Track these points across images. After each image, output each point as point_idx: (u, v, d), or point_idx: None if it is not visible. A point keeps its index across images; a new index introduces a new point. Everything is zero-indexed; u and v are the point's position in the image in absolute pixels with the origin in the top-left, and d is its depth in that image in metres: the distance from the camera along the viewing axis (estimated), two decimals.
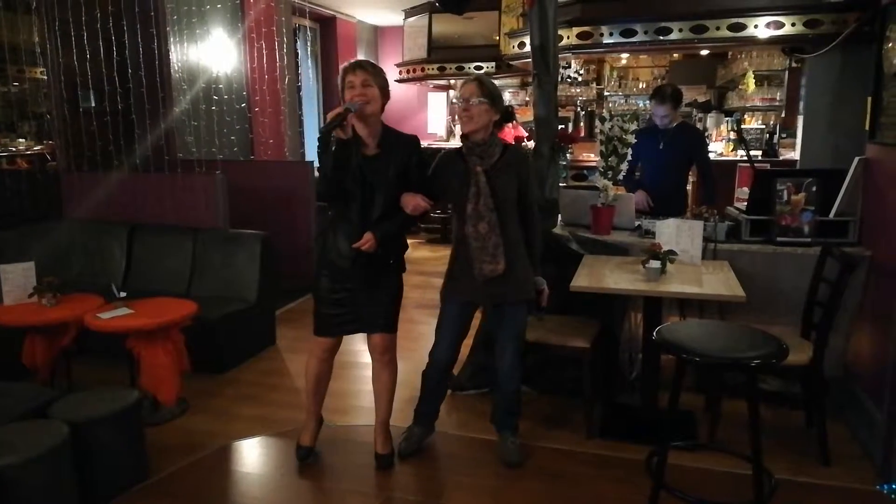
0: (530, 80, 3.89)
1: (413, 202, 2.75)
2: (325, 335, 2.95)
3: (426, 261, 7.14)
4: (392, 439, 3.10)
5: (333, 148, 2.64)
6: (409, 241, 3.04)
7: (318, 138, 2.68)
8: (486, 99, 2.79)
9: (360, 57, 9.55)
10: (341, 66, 2.84)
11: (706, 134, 7.65)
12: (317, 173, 2.84)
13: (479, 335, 3.75)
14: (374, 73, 2.75)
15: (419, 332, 4.51)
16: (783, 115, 6.51)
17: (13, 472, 2.38)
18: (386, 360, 3.00)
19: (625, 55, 7.93)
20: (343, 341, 3.02)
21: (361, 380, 3.97)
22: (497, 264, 2.81)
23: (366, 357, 3.14)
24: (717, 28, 4.16)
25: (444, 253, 7.37)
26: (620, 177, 3.73)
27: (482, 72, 7.38)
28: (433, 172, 2.94)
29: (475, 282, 2.87)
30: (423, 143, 3.13)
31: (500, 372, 3.05)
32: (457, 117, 2.82)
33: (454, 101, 2.79)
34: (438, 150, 3.11)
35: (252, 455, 3.27)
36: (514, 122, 3.10)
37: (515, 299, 2.94)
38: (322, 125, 2.66)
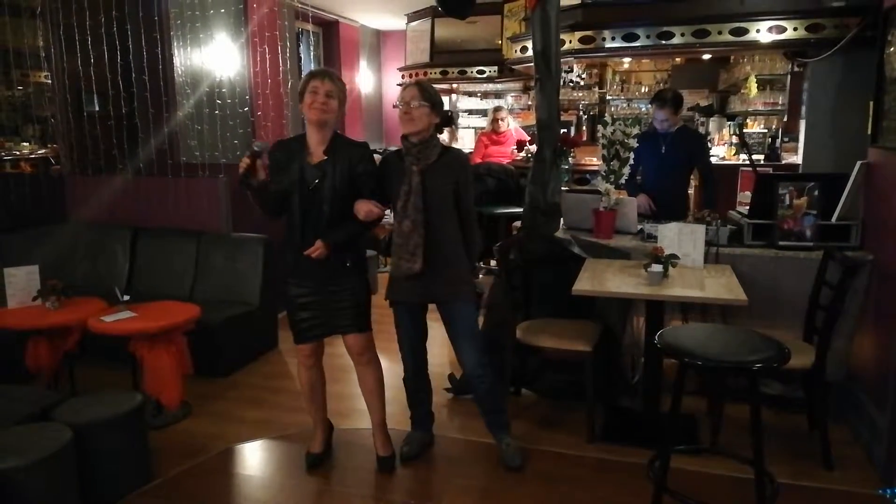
0: (532, 84, 3.90)
1: (365, 208, 2.74)
2: (302, 342, 2.97)
3: None
4: (392, 441, 3.10)
5: (251, 190, 2.74)
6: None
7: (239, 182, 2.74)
8: (427, 103, 2.83)
9: (363, 62, 9.61)
10: (308, 71, 2.89)
11: (708, 138, 7.66)
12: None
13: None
14: (339, 86, 2.81)
15: None
16: (785, 119, 6.49)
17: (16, 476, 2.39)
18: (365, 361, 3.00)
19: (627, 59, 7.92)
20: (341, 344, 3.01)
21: None
22: (413, 263, 2.82)
23: None
24: (720, 32, 4.17)
25: None
26: (623, 181, 3.73)
27: (484, 76, 7.40)
28: (379, 174, 2.95)
29: (406, 282, 2.89)
30: None
31: (467, 373, 3.06)
32: (398, 119, 2.86)
33: (395, 104, 2.84)
34: (385, 150, 3.15)
35: (255, 458, 3.28)
36: (453, 127, 3.16)
37: (444, 298, 2.95)
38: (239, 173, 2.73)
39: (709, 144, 4.77)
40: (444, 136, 9.43)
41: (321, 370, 3.07)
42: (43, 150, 5.29)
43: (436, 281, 2.88)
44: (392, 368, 3.28)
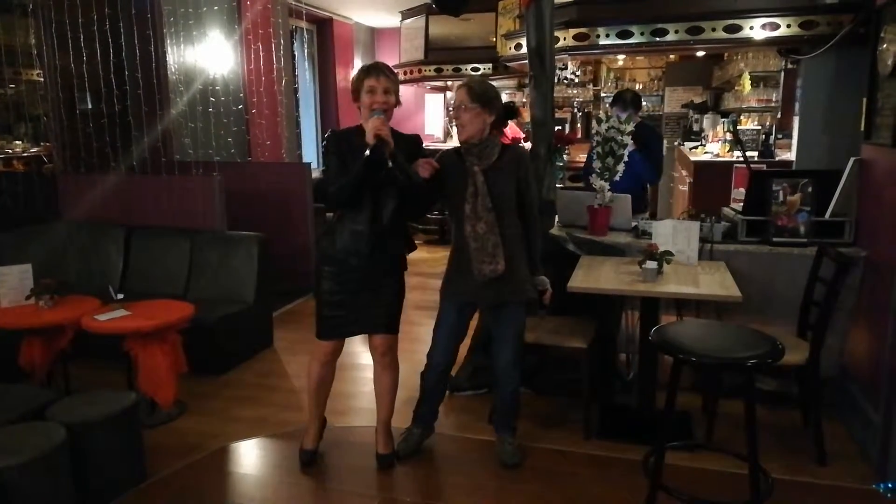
0: (527, 81, 3.90)
1: (420, 161, 2.77)
2: (328, 338, 2.94)
3: (424, 262, 7.14)
4: (393, 439, 3.10)
5: (386, 157, 2.64)
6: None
7: (372, 151, 2.61)
8: (476, 104, 2.79)
9: (357, 59, 9.59)
10: (360, 67, 2.84)
11: (703, 135, 7.67)
12: (316, 176, 2.83)
13: (477, 336, 3.76)
14: (394, 79, 2.80)
15: (417, 334, 4.51)
16: (779, 116, 6.51)
17: (10, 475, 2.38)
18: (387, 362, 2.99)
19: (621, 56, 7.95)
20: (349, 342, 3.01)
21: (360, 381, 3.97)
22: (497, 264, 2.81)
23: (365, 358, 3.14)
24: (713, 29, 4.17)
25: (443, 254, 7.39)
26: (617, 177, 3.73)
27: (479, 73, 7.39)
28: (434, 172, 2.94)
29: (474, 282, 2.87)
30: None
31: (497, 372, 3.05)
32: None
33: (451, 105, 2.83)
34: (436, 151, 3.11)
35: (250, 456, 3.27)
36: (518, 118, 3.10)
37: (514, 299, 2.94)
38: (370, 142, 2.62)
39: (663, 139, 4.96)
40: (438, 134, 9.43)
41: (334, 368, 3.05)
42: (35, 149, 5.27)
43: (505, 281, 2.86)
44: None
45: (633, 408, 3.48)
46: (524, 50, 4.11)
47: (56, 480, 2.54)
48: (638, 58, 8.56)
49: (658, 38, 4.26)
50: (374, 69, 2.79)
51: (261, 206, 5.48)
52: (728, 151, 6.63)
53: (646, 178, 4.59)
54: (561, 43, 4.40)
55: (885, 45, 3.09)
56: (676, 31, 4.22)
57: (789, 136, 5.73)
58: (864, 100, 3.31)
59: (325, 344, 2.95)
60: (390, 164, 2.66)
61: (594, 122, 3.78)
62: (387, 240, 2.80)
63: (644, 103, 8.64)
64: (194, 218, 4.77)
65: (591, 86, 8.78)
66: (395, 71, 8.88)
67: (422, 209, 3.07)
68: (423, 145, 2.99)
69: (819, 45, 3.97)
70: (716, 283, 3.04)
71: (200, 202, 4.77)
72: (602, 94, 8.83)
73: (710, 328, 2.71)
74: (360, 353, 4.20)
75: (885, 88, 3.07)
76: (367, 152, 2.61)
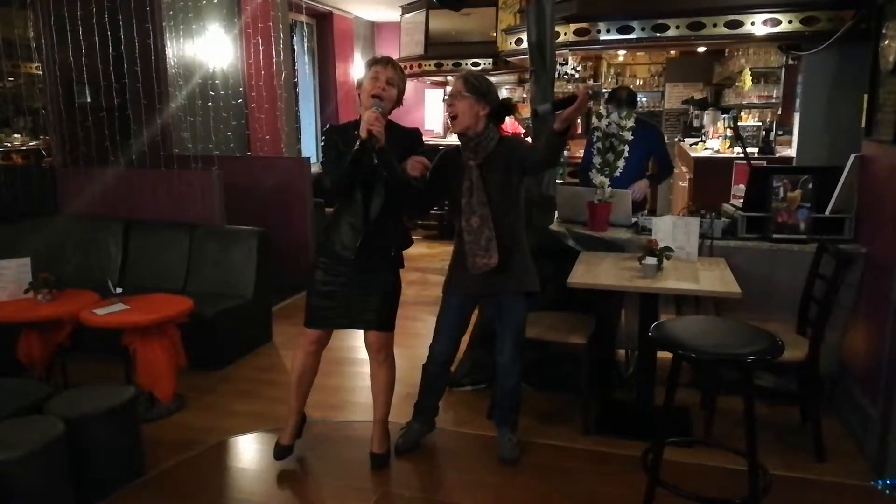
0: (527, 76, 3.89)
1: (412, 160, 2.73)
2: (314, 327, 2.94)
3: (423, 257, 7.14)
4: (389, 438, 3.09)
5: (357, 149, 2.63)
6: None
7: (361, 143, 2.61)
8: (470, 94, 2.78)
9: (357, 54, 9.57)
10: (374, 56, 2.84)
11: (703, 131, 7.66)
12: (320, 168, 2.82)
13: (476, 331, 3.76)
14: (400, 76, 2.79)
15: (416, 329, 4.51)
16: (780, 112, 6.51)
17: (8, 469, 2.38)
18: (381, 359, 2.98)
19: (622, 52, 7.93)
20: (339, 337, 3.01)
21: (357, 376, 3.97)
22: (489, 258, 2.81)
23: (362, 353, 3.14)
24: (714, 25, 4.16)
25: (441, 249, 7.41)
26: (617, 173, 3.72)
27: (479, 68, 7.37)
28: (433, 169, 2.93)
29: (472, 274, 2.88)
30: None
31: (499, 366, 3.05)
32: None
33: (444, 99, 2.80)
34: (436, 147, 3.11)
35: (248, 451, 3.27)
36: (515, 115, 3.05)
37: (513, 290, 2.94)
38: (360, 130, 2.61)
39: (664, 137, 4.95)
40: (438, 129, 9.41)
41: (318, 361, 3.04)
42: (34, 142, 5.25)
43: (505, 272, 2.87)
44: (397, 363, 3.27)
45: (632, 404, 3.47)
46: (524, 45, 4.11)
47: (54, 474, 2.54)
48: (638, 53, 8.55)
49: (659, 34, 4.25)
50: (384, 59, 2.80)
51: (260, 201, 5.47)
52: (728, 147, 6.62)
53: (659, 180, 4.67)
54: (561, 38, 4.39)
55: (886, 41, 3.08)
56: (677, 27, 4.21)
57: (790, 133, 5.73)
58: (865, 96, 3.30)
59: (310, 333, 2.95)
60: (375, 160, 2.64)
61: (594, 118, 3.77)
62: (376, 236, 2.79)
63: (644, 99, 8.66)
64: (193, 212, 4.76)
65: (591, 81, 8.75)
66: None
67: (417, 207, 3.05)
68: (423, 139, 2.97)
69: (820, 42, 3.96)
70: (715, 279, 3.04)
71: (199, 196, 4.76)
72: (602, 90, 8.81)
73: (709, 324, 2.71)
74: (355, 347, 4.20)
75: (887, 85, 3.06)
76: (357, 145, 2.61)
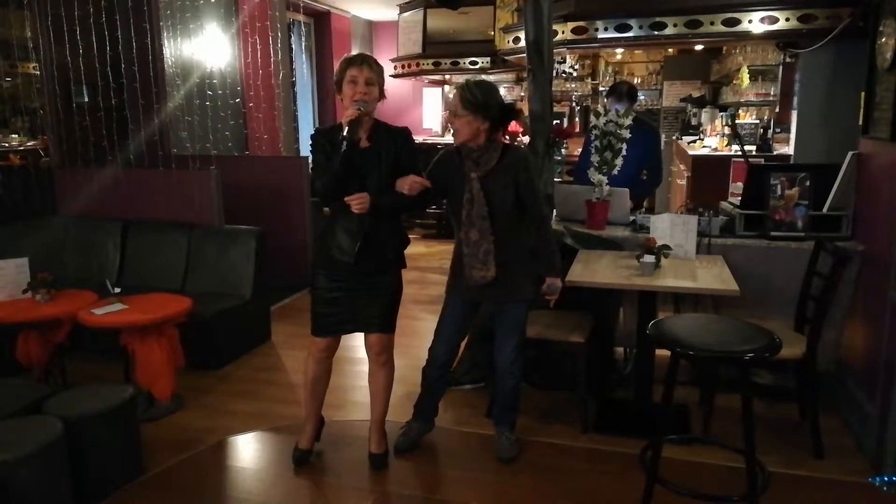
0: (525, 75, 3.89)
1: (408, 181, 2.71)
2: (322, 335, 2.92)
3: (422, 256, 7.14)
4: (387, 439, 3.09)
5: (344, 149, 2.62)
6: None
7: (342, 140, 2.62)
8: (468, 111, 2.73)
9: (354, 53, 9.55)
10: (344, 57, 2.79)
11: (701, 129, 7.67)
12: (311, 172, 2.81)
13: (475, 331, 3.76)
14: (378, 72, 2.74)
15: (416, 329, 4.52)
16: (777, 110, 6.50)
17: (7, 469, 2.37)
18: (382, 361, 2.97)
19: (620, 50, 7.92)
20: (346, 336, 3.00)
21: (357, 375, 3.97)
22: (487, 271, 2.81)
23: (361, 353, 3.14)
24: (712, 23, 4.16)
25: (440, 248, 7.41)
26: (616, 171, 3.72)
27: (477, 66, 7.37)
28: (431, 170, 2.93)
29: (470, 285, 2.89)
30: (419, 139, 3.13)
31: (498, 366, 3.05)
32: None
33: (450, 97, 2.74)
34: (434, 146, 3.10)
35: (247, 450, 3.27)
36: (518, 119, 2.98)
37: (510, 301, 2.94)
38: (341, 127, 2.62)
39: (661, 137, 4.85)
40: (436, 128, 9.41)
41: (329, 366, 3.03)
42: (32, 142, 5.25)
43: (502, 285, 2.86)
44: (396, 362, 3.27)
45: (630, 402, 3.48)
46: (522, 44, 4.10)
47: (53, 474, 2.53)
48: (636, 52, 8.55)
49: (656, 32, 4.25)
50: (357, 59, 2.73)
51: (258, 200, 5.47)
52: (726, 145, 6.63)
53: (651, 187, 4.54)
54: (559, 36, 4.39)
55: (883, 39, 3.08)
56: (675, 25, 4.21)
57: (787, 131, 5.73)
58: (863, 94, 3.31)
59: (319, 341, 2.94)
60: (343, 146, 2.61)
61: (592, 116, 3.77)
62: (374, 239, 2.78)
63: (641, 97, 8.66)
64: (191, 212, 4.75)
65: (589, 80, 8.76)
66: (393, 65, 8.86)
67: (415, 209, 3.02)
68: (420, 140, 2.96)
69: (818, 39, 3.97)
70: (713, 277, 3.05)
71: (198, 196, 4.76)
72: (600, 88, 8.81)
73: (707, 322, 2.71)
74: (356, 346, 4.19)
75: (884, 82, 3.06)
76: (343, 146, 2.61)
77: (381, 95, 2.77)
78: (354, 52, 9.59)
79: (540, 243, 2.91)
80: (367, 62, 2.71)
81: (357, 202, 2.67)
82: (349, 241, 2.77)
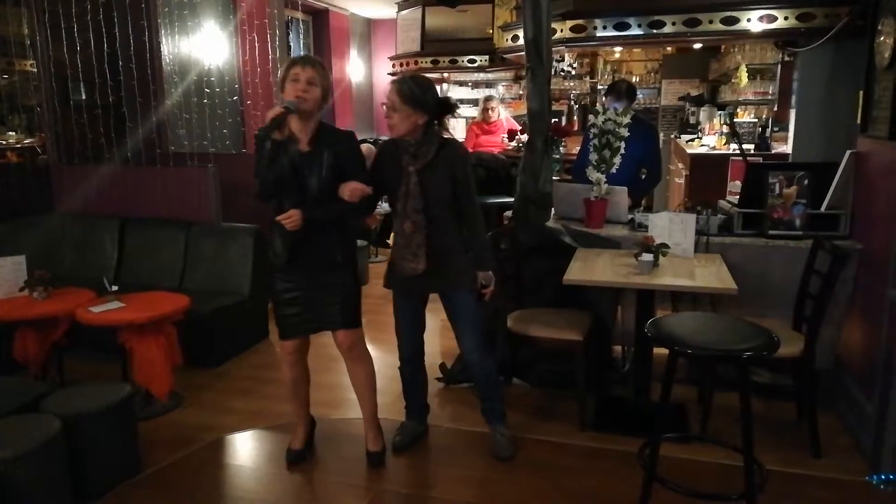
0: (524, 73, 3.89)
1: (349, 187, 2.69)
2: (289, 337, 2.92)
3: None
4: (383, 435, 3.09)
5: (268, 146, 2.60)
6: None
7: (255, 136, 2.63)
8: (406, 106, 2.71)
9: (353, 51, 9.55)
10: (290, 57, 2.76)
11: (699, 127, 7.67)
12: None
13: None
14: (321, 73, 2.70)
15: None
16: (775, 108, 6.51)
17: (5, 467, 2.37)
18: (355, 356, 2.96)
19: (618, 49, 7.92)
20: (329, 335, 3.00)
21: None
22: (417, 263, 2.80)
23: None
24: (710, 21, 4.16)
25: None
26: (614, 170, 3.71)
27: (475, 65, 7.36)
28: (374, 164, 2.92)
29: (406, 277, 2.88)
30: None
31: (466, 361, 3.05)
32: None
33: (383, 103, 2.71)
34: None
35: (245, 448, 3.27)
36: (454, 114, 2.96)
37: (447, 290, 2.94)
38: (262, 125, 2.61)
39: (659, 136, 4.79)
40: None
41: (305, 366, 3.03)
42: (29, 140, 5.24)
43: (435, 276, 2.85)
44: (384, 358, 3.28)
45: (628, 399, 3.48)
46: (521, 42, 4.10)
47: (51, 472, 2.53)
48: (635, 50, 8.54)
49: (655, 30, 4.25)
50: (301, 58, 2.72)
51: (256, 198, 5.45)
52: (724, 144, 6.63)
53: (649, 185, 4.49)
54: (558, 35, 4.38)
55: (882, 38, 3.09)
56: (674, 23, 4.21)
57: (786, 129, 5.73)
58: (861, 92, 3.31)
59: (287, 344, 2.93)
60: (267, 145, 2.59)
61: (590, 115, 3.77)
62: (311, 242, 2.75)
63: (640, 95, 8.66)
64: (189, 209, 4.74)
65: (587, 78, 8.76)
66: (392, 63, 8.84)
67: (360, 214, 2.97)
68: (357, 141, 2.92)
69: (816, 38, 3.97)
70: (712, 275, 3.05)
71: (195, 194, 4.75)
72: (599, 87, 8.81)
73: (705, 320, 2.71)
74: None
75: (883, 81, 3.06)
76: (268, 144, 2.59)
77: (325, 100, 2.74)
78: (353, 50, 9.52)
79: (471, 239, 2.92)
80: (311, 62, 2.70)
81: (288, 221, 2.65)
82: (281, 244, 2.77)
